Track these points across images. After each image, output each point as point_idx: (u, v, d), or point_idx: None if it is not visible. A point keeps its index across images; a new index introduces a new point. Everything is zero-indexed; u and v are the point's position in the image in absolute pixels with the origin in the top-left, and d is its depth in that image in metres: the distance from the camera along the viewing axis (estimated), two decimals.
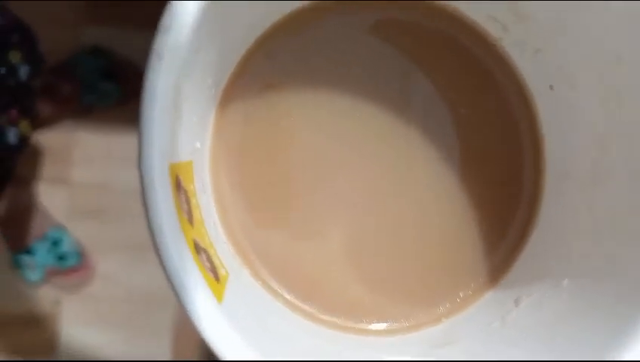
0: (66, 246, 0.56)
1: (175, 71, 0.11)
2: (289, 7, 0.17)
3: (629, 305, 0.13)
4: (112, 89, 0.51)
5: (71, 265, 0.56)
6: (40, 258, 0.56)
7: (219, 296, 0.11)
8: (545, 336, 0.15)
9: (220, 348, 0.10)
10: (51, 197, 0.59)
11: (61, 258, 0.56)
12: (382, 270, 0.18)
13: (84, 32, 0.53)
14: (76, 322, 0.60)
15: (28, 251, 0.56)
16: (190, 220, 0.12)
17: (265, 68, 0.17)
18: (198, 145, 0.15)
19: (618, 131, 0.15)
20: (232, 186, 0.17)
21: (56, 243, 0.55)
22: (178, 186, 0.12)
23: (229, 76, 0.17)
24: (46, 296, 0.59)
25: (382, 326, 0.17)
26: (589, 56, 0.15)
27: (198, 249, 0.12)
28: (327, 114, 0.18)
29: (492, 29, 0.18)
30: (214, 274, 0.12)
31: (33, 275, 0.58)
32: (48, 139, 0.54)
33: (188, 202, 0.12)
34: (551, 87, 0.17)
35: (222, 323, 0.11)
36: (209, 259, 0.13)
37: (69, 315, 0.61)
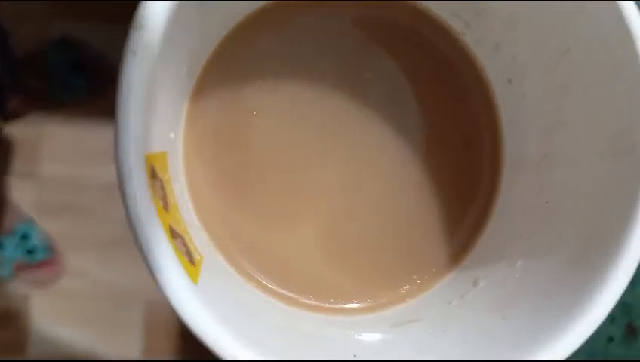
0: (34, 240, 0.55)
1: (149, 65, 0.12)
2: (260, 3, 0.18)
3: (570, 285, 0.14)
4: (81, 82, 0.51)
5: (40, 259, 0.55)
6: (8, 252, 0.55)
7: (194, 277, 0.12)
8: (497, 314, 0.16)
9: (194, 325, 0.11)
10: (20, 192, 0.58)
11: (30, 252, 0.55)
12: (350, 254, 0.19)
13: (53, 24, 0.52)
14: (46, 317, 0.59)
15: None
16: (166, 207, 0.13)
17: (239, 59, 0.18)
18: (172, 135, 0.16)
19: (564, 120, 0.16)
20: (206, 175, 0.18)
21: (24, 237, 0.54)
22: (154, 175, 0.12)
23: (202, 66, 0.18)
24: (15, 291, 0.58)
25: (349, 305, 0.18)
26: (540, 48, 0.16)
27: (174, 234, 0.13)
28: (299, 104, 0.18)
29: (456, 25, 0.19)
30: (189, 258, 0.13)
31: (1, 270, 0.56)
32: (16, 132, 0.53)
33: (163, 190, 0.13)
34: (509, 81, 0.18)
35: (196, 302, 0.11)
36: (184, 244, 0.13)
37: (38, 311, 0.60)
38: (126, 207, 0.11)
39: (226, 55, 0.18)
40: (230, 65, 0.18)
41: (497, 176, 0.19)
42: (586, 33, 0.15)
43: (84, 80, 0.54)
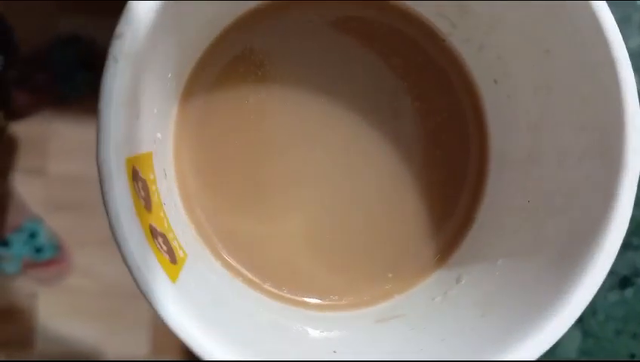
0: (42, 239, 0.56)
1: (131, 71, 0.12)
2: (247, 5, 0.18)
3: (547, 284, 0.15)
4: (88, 78, 0.51)
5: (48, 257, 0.55)
6: (16, 250, 0.55)
7: (173, 276, 0.13)
8: (477, 311, 0.16)
9: (172, 323, 0.12)
10: (27, 189, 0.58)
11: (38, 250, 0.55)
12: (337, 251, 0.19)
13: (61, 20, 0.52)
14: (53, 315, 0.59)
15: (4, 243, 0.55)
16: (148, 207, 0.13)
17: (226, 60, 0.18)
18: (159, 135, 0.16)
19: (547, 118, 0.17)
20: (195, 174, 0.18)
21: (33, 235, 0.54)
22: (135, 177, 0.13)
23: (191, 68, 0.18)
24: (22, 289, 0.58)
25: (336, 301, 0.19)
26: (522, 49, 0.16)
27: (154, 233, 0.13)
28: (286, 104, 0.19)
29: (442, 26, 0.19)
30: (171, 257, 0.13)
31: (9, 267, 0.57)
32: (24, 129, 0.54)
33: (146, 190, 0.14)
34: (495, 81, 0.19)
35: (173, 300, 0.12)
36: (166, 243, 0.14)
37: (45, 308, 0.60)
38: (106, 208, 0.12)
39: (215, 57, 0.18)
40: (218, 67, 0.18)
41: (483, 176, 0.20)
42: (563, 36, 0.15)
43: (92, 76, 0.54)
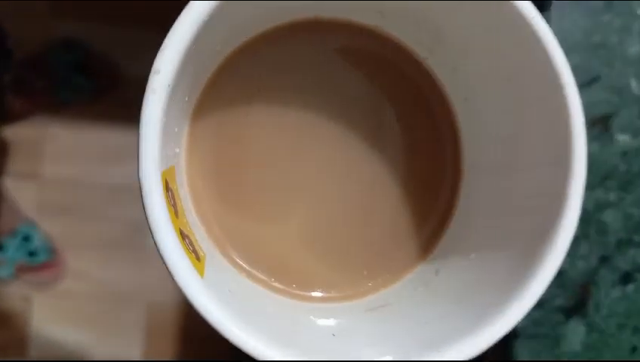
0: (37, 242, 0.55)
1: (164, 100, 0.14)
2: (252, 32, 0.20)
3: (512, 275, 0.17)
4: (85, 83, 0.52)
5: (42, 261, 0.55)
6: (10, 254, 0.55)
7: (201, 272, 0.15)
8: (454, 299, 0.19)
9: (203, 310, 0.14)
10: (22, 193, 0.58)
11: (32, 254, 0.55)
12: (332, 248, 0.22)
13: (58, 25, 0.53)
14: (47, 319, 0.59)
15: None
16: (177, 214, 0.16)
17: (232, 81, 0.21)
18: (177, 150, 0.19)
19: (510, 134, 0.19)
20: (205, 183, 0.21)
21: (27, 238, 0.54)
22: (167, 188, 0.15)
23: (200, 91, 0.20)
24: (16, 293, 0.58)
25: (330, 294, 0.21)
26: (487, 75, 0.19)
27: (183, 236, 0.15)
28: (283, 119, 0.21)
29: (420, 51, 0.22)
30: (196, 255, 0.16)
31: (3, 271, 0.56)
32: (20, 133, 0.54)
33: (174, 199, 0.16)
34: (466, 99, 0.21)
35: (203, 291, 0.14)
36: (191, 244, 0.16)
37: (39, 312, 0.60)
38: (147, 217, 0.14)
39: (221, 80, 0.20)
40: (224, 90, 0.21)
41: (458, 182, 0.23)
42: (522, 66, 0.18)
43: (88, 80, 0.55)
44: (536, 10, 0.16)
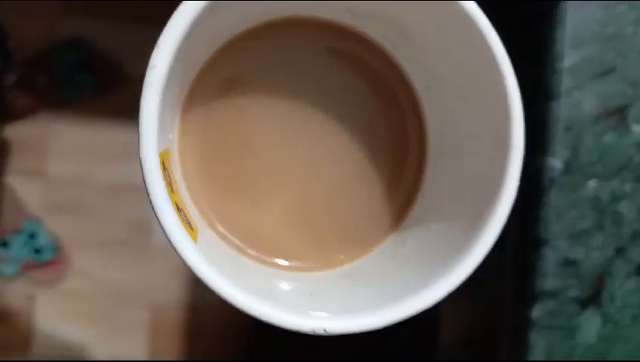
0: (42, 240, 0.55)
1: (160, 92, 0.17)
2: (239, 29, 0.23)
3: (465, 238, 0.20)
4: (88, 80, 0.53)
5: (47, 258, 0.55)
6: (15, 251, 0.55)
7: (194, 239, 0.18)
8: (418, 264, 0.22)
9: (197, 269, 0.17)
10: (27, 190, 0.58)
11: (37, 251, 0.55)
12: (312, 224, 0.24)
13: (61, 23, 0.53)
14: (50, 318, 0.59)
15: (3, 244, 0.56)
16: (173, 190, 0.18)
17: (219, 75, 0.23)
18: (170, 136, 0.21)
19: (464, 118, 0.22)
20: (195, 167, 0.23)
21: (32, 236, 0.54)
22: (163, 167, 0.18)
23: (190, 83, 0.23)
24: (20, 291, 0.58)
25: (307, 264, 0.24)
26: (445, 67, 0.22)
27: (179, 208, 0.18)
28: (269, 110, 0.24)
29: (388, 47, 0.24)
30: (190, 226, 0.18)
31: (8, 269, 0.56)
32: (24, 131, 0.55)
33: (169, 177, 0.18)
34: (427, 88, 0.24)
35: (198, 254, 0.17)
36: (185, 217, 0.19)
37: (43, 311, 0.60)
38: (147, 191, 0.16)
39: (209, 75, 0.23)
40: (212, 83, 0.23)
41: (423, 164, 0.25)
42: (469, 60, 0.20)
43: (92, 78, 0.56)
44: (480, 9, 0.19)
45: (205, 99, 0.23)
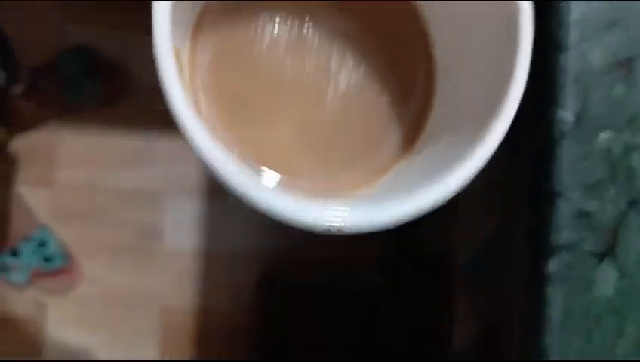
0: (52, 248, 0.55)
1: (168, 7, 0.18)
2: None
3: (471, 144, 0.20)
4: (96, 88, 0.53)
5: (57, 266, 0.55)
6: (25, 259, 0.55)
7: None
8: (426, 177, 0.22)
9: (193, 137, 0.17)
10: (36, 198, 0.58)
11: (47, 259, 0.55)
12: (321, 146, 0.25)
13: (68, 31, 0.54)
14: (61, 325, 0.59)
15: (13, 252, 0.56)
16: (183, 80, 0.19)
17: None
18: (181, 48, 0.22)
19: (474, 22, 0.22)
20: (204, 86, 0.24)
21: (42, 244, 0.54)
22: (176, 59, 0.18)
23: (200, 7, 0.23)
24: (30, 298, 0.58)
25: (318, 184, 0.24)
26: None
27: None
28: (281, 33, 0.24)
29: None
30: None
31: (18, 277, 0.56)
32: (32, 140, 0.55)
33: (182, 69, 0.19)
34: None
35: (204, 133, 0.17)
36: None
37: (53, 318, 0.60)
38: (160, 78, 0.17)
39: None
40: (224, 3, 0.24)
41: (430, 95, 0.25)
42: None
43: (99, 85, 0.56)
44: None
45: (218, 16, 0.24)
